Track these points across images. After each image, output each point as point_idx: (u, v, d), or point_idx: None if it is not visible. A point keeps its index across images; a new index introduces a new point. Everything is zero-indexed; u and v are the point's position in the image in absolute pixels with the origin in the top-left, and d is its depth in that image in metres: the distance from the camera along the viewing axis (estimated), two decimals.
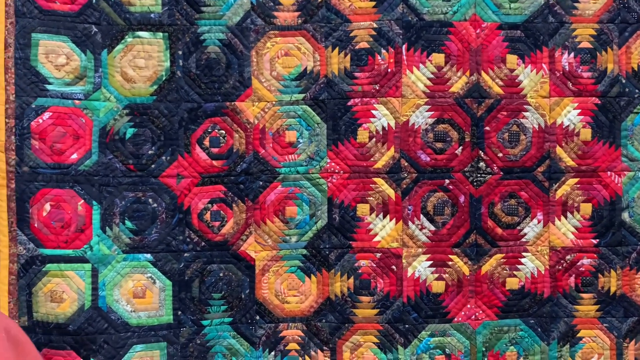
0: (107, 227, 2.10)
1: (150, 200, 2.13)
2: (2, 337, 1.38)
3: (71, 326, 2.06)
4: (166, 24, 2.12)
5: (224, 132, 2.16)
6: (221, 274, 2.16)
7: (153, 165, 2.12)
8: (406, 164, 2.19)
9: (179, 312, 2.14)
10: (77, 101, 2.08)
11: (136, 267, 2.12)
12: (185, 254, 2.14)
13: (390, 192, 2.19)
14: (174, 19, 2.12)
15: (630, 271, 2.20)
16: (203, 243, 2.15)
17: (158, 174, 2.13)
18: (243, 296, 2.17)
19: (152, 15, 2.11)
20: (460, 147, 2.19)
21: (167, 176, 2.13)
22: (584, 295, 2.20)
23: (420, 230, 2.20)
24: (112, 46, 2.10)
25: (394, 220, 2.19)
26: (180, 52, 2.13)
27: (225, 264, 2.16)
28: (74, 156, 2.08)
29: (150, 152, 2.12)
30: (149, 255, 2.12)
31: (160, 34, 2.12)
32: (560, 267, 2.20)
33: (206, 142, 2.15)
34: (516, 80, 2.19)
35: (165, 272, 2.13)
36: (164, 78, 2.12)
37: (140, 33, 2.11)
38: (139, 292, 2.12)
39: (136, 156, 2.12)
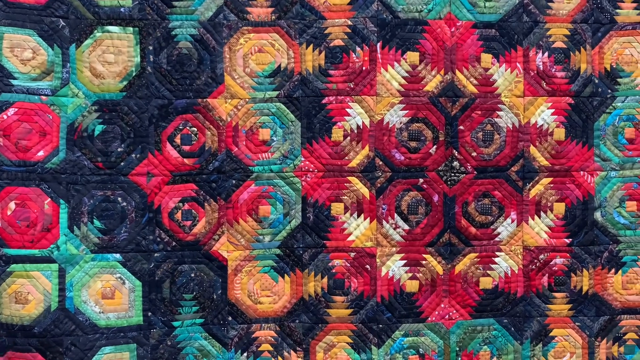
0: (74, 227, 1.99)
1: (119, 199, 2.02)
2: None
3: (37, 328, 1.95)
4: (136, 19, 2.01)
5: (195, 129, 2.06)
6: (192, 275, 2.07)
7: (122, 163, 2.02)
8: (381, 162, 2.12)
9: (149, 313, 2.04)
10: (43, 97, 1.97)
11: (105, 268, 2.02)
12: (156, 254, 2.05)
13: (365, 191, 2.12)
14: (145, 14, 2.02)
15: (602, 270, 2.16)
16: (174, 243, 2.06)
17: (127, 172, 2.03)
18: (215, 297, 2.08)
19: (122, 9, 2.00)
20: (435, 146, 2.13)
21: (137, 174, 2.03)
22: (556, 294, 2.16)
23: (395, 229, 2.13)
24: (81, 41, 1.99)
25: (368, 220, 2.12)
26: (150, 48, 2.03)
27: (197, 264, 2.07)
28: (41, 153, 1.97)
29: (119, 149, 2.02)
30: (118, 255, 2.02)
31: (131, 28, 2.02)
32: (533, 267, 2.15)
33: (177, 140, 2.06)
34: (490, 80, 2.13)
35: (135, 273, 2.03)
36: (134, 74, 2.02)
37: (110, 27, 2.00)
38: (108, 293, 2.02)
39: (105, 154, 2.02)
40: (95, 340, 1.99)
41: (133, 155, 2.03)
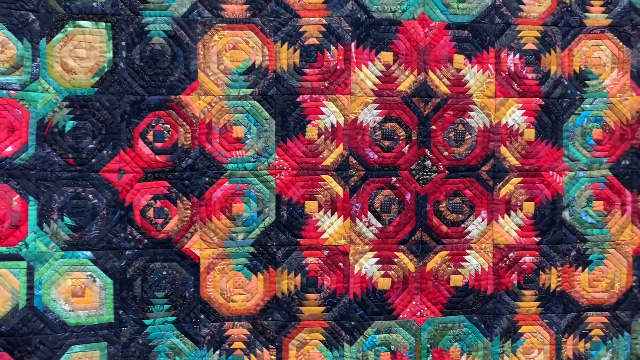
0: (44, 224, 1.89)
1: (90, 195, 1.93)
2: None
3: (4, 327, 1.85)
4: (109, 14, 1.92)
5: (168, 126, 1.97)
6: (164, 273, 1.98)
7: (94, 160, 1.93)
8: (354, 161, 2.05)
9: (121, 311, 1.95)
10: (12, 91, 1.86)
11: (75, 265, 1.92)
12: (127, 252, 1.95)
13: (339, 190, 2.05)
14: (118, 9, 1.92)
15: (569, 268, 2.13)
16: (146, 240, 1.97)
17: (99, 169, 1.93)
18: (187, 295, 2.00)
19: (94, 4, 1.91)
20: (407, 146, 2.08)
21: (109, 171, 1.94)
22: (525, 292, 2.12)
23: (368, 227, 2.07)
24: (52, 35, 1.89)
25: (341, 218, 2.06)
26: (123, 43, 1.93)
27: (169, 262, 1.98)
28: (9, 149, 1.86)
29: (90, 145, 1.92)
30: (89, 253, 1.93)
31: (103, 23, 1.92)
32: (503, 265, 2.11)
33: (149, 137, 1.96)
34: (462, 80, 2.08)
35: (106, 270, 1.94)
36: (106, 69, 1.93)
37: (82, 22, 1.91)
38: (78, 291, 1.92)
39: (76, 150, 1.92)
40: (65, 339, 1.89)
41: (104, 152, 1.93)
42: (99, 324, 1.93)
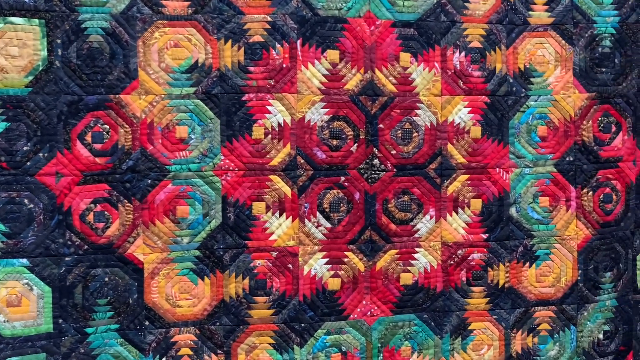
0: None
1: (25, 200, 1.79)
2: None
3: None
4: (42, 10, 1.79)
5: (107, 127, 1.85)
6: (106, 279, 1.86)
7: (29, 163, 1.79)
8: (302, 161, 1.97)
9: (60, 320, 1.83)
10: None
11: (10, 274, 1.79)
12: (67, 258, 1.83)
13: (287, 190, 1.97)
14: (52, 5, 1.79)
15: (517, 264, 2.10)
16: (86, 246, 1.85)
17: (34, 172, 1.80)
18: (131, 301, 1.88)
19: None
20: (355, 145, 2.01)
21: (45, 174, 1.81)
22: (474, 288, 2.08)
23: (317, 227, 1.99)
24: None
25: (290, 218, 1.97)
26: (59, 41, 1.81)
27: (111, 268, 1.87)
28: None
29: (25, 148, 1.79)
30: (25, 260, 1.80)
31: (36, 20, 1.79)
32: (452, 262, 2.07)
33: (88, 138, 1.84)
34: (409, 79, 2.02)
35: (43, 278, 1.81)
36: (40, 68, 1.79)
37: (13, 19, 1.77)
38: (14, 300, 1.79)
39: (9, 153, 1.78)
40: None
41: (40, 155, 1.80)
42: (37, 334, 1.80)
